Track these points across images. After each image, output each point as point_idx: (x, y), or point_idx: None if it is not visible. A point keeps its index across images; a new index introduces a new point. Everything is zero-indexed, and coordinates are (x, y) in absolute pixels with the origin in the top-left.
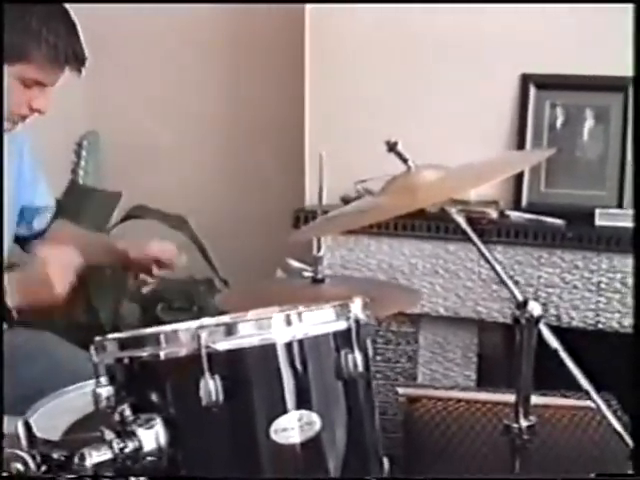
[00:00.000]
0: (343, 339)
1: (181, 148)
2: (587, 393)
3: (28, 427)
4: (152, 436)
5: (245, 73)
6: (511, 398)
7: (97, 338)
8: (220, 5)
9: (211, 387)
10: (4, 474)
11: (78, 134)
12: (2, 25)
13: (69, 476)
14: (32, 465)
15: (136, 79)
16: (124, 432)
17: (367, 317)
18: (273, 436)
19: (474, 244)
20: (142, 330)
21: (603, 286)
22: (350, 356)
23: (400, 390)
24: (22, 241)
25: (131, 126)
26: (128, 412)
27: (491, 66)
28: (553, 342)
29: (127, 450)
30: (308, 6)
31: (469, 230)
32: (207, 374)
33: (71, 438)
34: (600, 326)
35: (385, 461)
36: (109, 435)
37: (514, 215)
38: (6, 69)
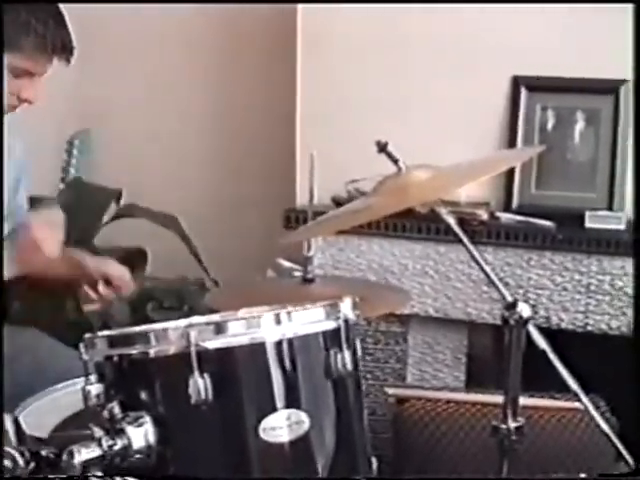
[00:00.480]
0: (332, 338)
1: (172, 147)
2: (576, 395)
3: (17, 424)
4: (141, 434)
5: (236, 73)
6: (500, 399)
7: (87, 335)
8: (212, 5)
9: (200, 385)
10: None
11: (69, 133)
12: (2, 25)
13: (60, 476)
14: (21, 462)
15: (127, 78)
16: (113, 430)
17: (356, 317)
18: (262, 435)
19: (464, 245)
20: (132, 328)
21: (593, 288)
22: (339, 355)
23: (389, 390)
24: None
25: (122, 125)
26: (117, 410)
27: (482, 68)
28: (541, 343)
29: (116, 448)
30: (300, 6)
31: (459, 231)
32: (196, 372)
33: (60, 435)
34: (589, 328)
35: (373, 460)
36: (98, 432)
37: (504, 217)
38: None
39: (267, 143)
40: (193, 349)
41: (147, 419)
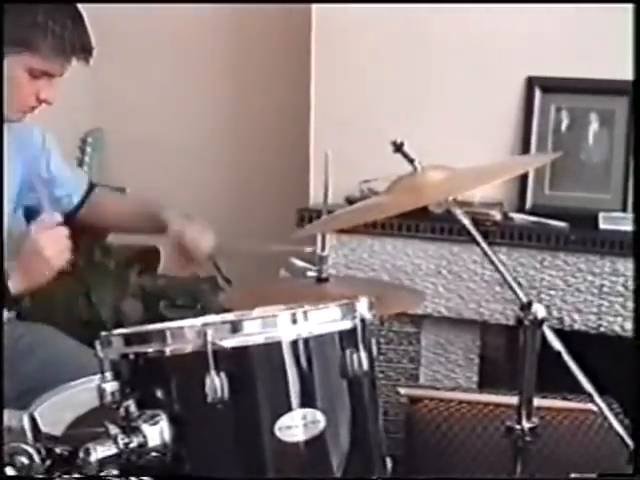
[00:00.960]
0: (348, 338)
1: (185, 146)
2: (590, 396)
3: (33, 421)
4: (157, 432)
5: (250, 72)
6: (513, 400)
7: (103, 333)
8: (227, 5)
9: (217, 384)
10: (8, 468)
11: (82, 131)
12: (2, 25)
13: (76, 476)
14: (37, 459)
15: (141, 77)
16: (129, 428)
17: (372, 316)
18: (277, 434)
19: (478, 245)
20: (148, 326)
21: (606, 289)
22: (355, 355)
23: (402, 391)
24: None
25: (135, 123)
26: (133, 408)
27: (497, 69)
28: (556, 344)
29: (132, 445)
30: (314, 6)
31: (474, 231)
32: (213, 371)
33: (76, 433)
34: (602, 329)
35: (388, 460)
36: (114, 430)
37: (518, 217)
38: (14, 60)
39: (281, 143)
40: (210, 348)
41: (163, 417)
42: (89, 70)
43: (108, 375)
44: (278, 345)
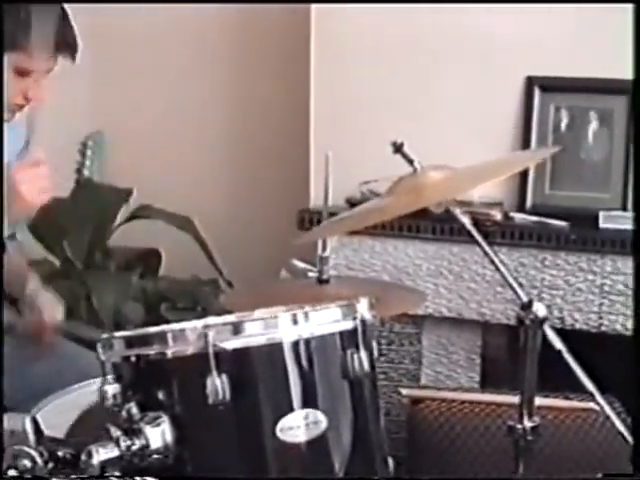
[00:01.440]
0: (349, 339)
1: (186, 148)
2: (591, 395)
3: (35, 423)
4: (159, 434)
5: (250, 73)
6: (515, 399)
7: (104, 335)
8: (226, 5)
9: (218, 385)
10: (11, 470)
11: (83, 134)
12: (2, 25)
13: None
14: (39, 461)
15: (141, 79)
16: (131, 430)
17: (373, 317)
18: (279, 434)
19: (479, 245)
20: (149, 328)
21: (607, 289)
22: (356, 356)
23: (403, 391)
24: None
25: (136, 126)
26: (135, 410)
27: (496, 68)
28: (557, 343)
29: (134, 448)
30: (314, 6)
31: (475, 231)
32: (214, 372)
33: (78, 435)
34: (603, 328)
35: (390, 460)
36: (116, 432)
37: (518, 217)
38: None
39: (281, 144)
40: (211, 349)
41: (165, 419)
42: (88, 72)
43: (110, 377)
44: (279, 346)
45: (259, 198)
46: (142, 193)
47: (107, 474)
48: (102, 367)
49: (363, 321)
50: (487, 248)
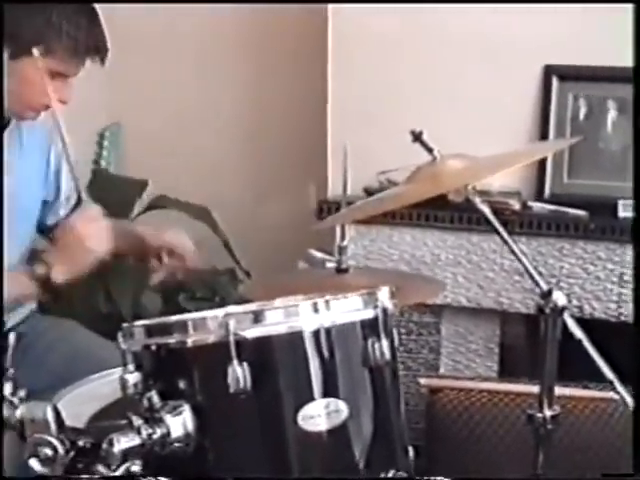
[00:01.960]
0: (370, 327)
1: (203, 139)
2: (611, 384)
3: (56, 412)
4: (180, 423)
5: (268, 64)
6: (533, 389)
7: (125, 325)
8: (244, 5)
9: (239, 374)
10: (33, 459)
11: (100, 125)
12: (2, 25)
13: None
14: (61, 450)
15: (159, 71)
16: (152, 418)
17: (394, 306)
18: (300, 423)
19: (498, 234)
20: (170, 317)
21: (626, 277)
22: (377, 344)
23: (422, 381)
24: (49, 231)
25: (153, 118)
26: (156, 399)
27: (514, 58)
28: (577, 332)
29: (155, 436)
30: (330, 6)
31: (494, 220)
32: (235, 361)
33: (99, 424)
34: (622, 318)
35: (410, 450)
36: (137, 421)
37: (537, 206)
38: (29, 61)
39: (299, 134)
40: (232, 338)
41: (186, 408)
42: (106, 65)
43: (130, 366)
44: (300, 335)
45: (276, 189)
46: (158, 184)
47: (128, 463)
48: (123, 356)
49: (384, 310)
50: (506, 237)
